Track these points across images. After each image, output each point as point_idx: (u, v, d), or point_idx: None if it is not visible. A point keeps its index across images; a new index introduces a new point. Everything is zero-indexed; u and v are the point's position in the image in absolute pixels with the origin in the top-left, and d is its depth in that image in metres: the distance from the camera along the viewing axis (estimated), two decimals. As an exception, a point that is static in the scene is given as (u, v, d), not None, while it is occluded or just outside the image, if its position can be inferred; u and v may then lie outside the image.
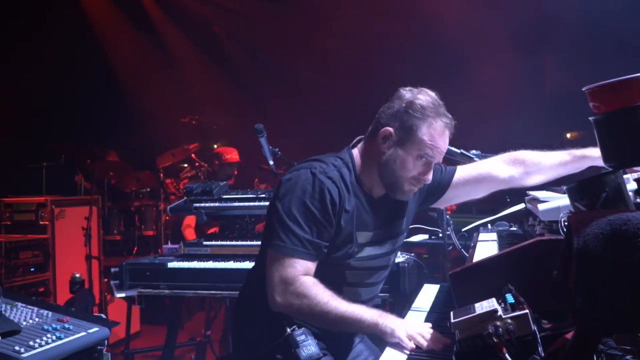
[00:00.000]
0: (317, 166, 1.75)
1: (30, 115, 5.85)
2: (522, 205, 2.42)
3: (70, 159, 5.34)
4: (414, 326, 1.61)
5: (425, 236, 3.16)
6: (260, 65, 7.17)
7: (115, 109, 6.51)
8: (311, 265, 1.69)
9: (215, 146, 6.28)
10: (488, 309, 1.15)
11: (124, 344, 4.12)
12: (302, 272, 1.66)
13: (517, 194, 2.34)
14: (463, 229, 2.76)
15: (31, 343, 1.69)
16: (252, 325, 1.86)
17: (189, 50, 7.37)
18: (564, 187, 1.32)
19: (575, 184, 1.17)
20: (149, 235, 5.61)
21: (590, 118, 1.12)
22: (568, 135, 6.38)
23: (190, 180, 5.42)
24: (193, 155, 5.69)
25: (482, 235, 2.47)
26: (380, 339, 1.87)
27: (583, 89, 1.11)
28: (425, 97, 1.75)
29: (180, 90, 7.08)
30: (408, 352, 1.55)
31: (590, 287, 0.94)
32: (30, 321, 1.86)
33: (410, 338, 1.57)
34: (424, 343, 1.54)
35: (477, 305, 1.19)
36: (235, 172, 4.77)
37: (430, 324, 1.65)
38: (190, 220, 4.41)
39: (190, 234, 4.35)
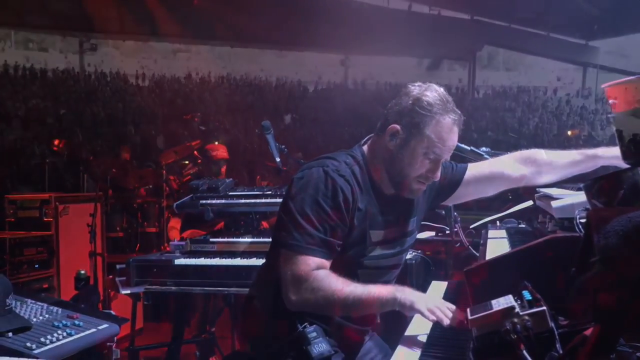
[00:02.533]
0: (329, 164, 1.73)
1: (33, 112, 5.84)
2: (530, 202, 2.42)
3: (73, 157, 5.35)
4: (433, 300, 1.60)
5: (431, 233, 3.15)
6: (263, 61, 7.16)
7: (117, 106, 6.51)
8: (325, 263, 1.67)
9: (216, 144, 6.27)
10: (505, 306, 1.14)
11: (127, 340, 4.11)
12: (315, 269, 1.64)
13: (519, 191, 2.33)
14: (471, 226, 2.75)
15: (42, 339, 1.69)
16: (263, 322, 1.84)
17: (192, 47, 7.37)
18: (581, 185, 1.32)
19: (593, 181, 1.17)
20: (152, 232, 5.63)
21: (609, 115, 1.12)
22: (569, 133, 6.39)
23: (192, 177, 5.41)
24: (195, 152, 5.69)
25: (492, 233, 2.46)
26: (389, 337, 1.87)
27: (602, 86, 1.11)
28: (432, 93, 1.72)
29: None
30: (424, 343, 1.54)
31: (611, 283, 0.94)
32: (41, 318, 1.86)
33: (431, 311, 1.56)
34: (445, 318, 1.54)
35: (494, 302, 1.18)
36: (223, 170, 4.62)
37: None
38: (175, 222, 4.37)
39: (174, 235, 4.31)
